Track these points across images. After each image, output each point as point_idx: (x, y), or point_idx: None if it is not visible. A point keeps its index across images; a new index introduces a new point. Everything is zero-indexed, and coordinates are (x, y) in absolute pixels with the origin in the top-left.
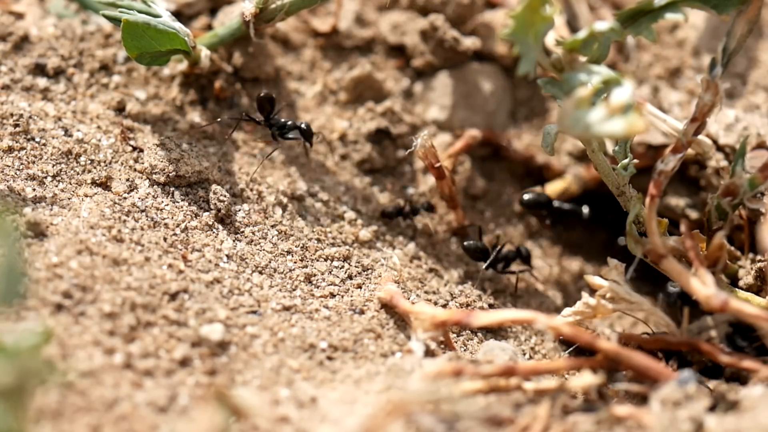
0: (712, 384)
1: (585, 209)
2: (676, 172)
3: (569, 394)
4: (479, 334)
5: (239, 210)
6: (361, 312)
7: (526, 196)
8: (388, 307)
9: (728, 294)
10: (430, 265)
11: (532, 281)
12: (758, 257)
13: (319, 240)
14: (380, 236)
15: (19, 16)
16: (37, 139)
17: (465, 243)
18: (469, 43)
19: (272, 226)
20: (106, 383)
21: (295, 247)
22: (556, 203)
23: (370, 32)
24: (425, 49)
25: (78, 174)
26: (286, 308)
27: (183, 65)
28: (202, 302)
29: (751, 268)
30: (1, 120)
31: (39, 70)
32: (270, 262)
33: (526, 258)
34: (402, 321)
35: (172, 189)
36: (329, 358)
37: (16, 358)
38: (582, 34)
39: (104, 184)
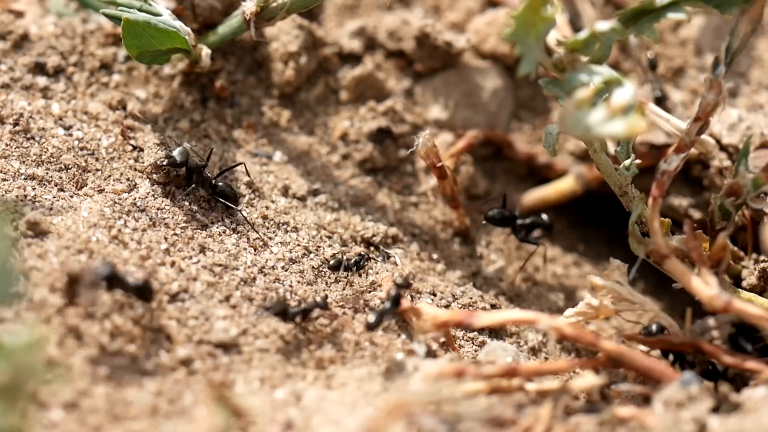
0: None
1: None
2: (679, 172)
3: (571, 395)
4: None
5: (240, 210)
6: (363, 312)
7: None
8: None
9: (731, 294)
10: (432, 266)
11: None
12: (762, 257)
13: (320, 240)
14: (382, 236)
15: (19, 14)
16: (37, 138)
17: (488, 214)
18: (463, 41)
19: (273, 226)
20: (107, 383)
21: (297, 247)
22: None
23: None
24: (422, 54)
25: (78, 173)
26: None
27: (183, 64)
28: (203, 302)
29: (755, 269)
30: (0, 119)
31: (39, 68)
32: (271, 262)
33: (547, 226)
34: (403, 321)
35: (172, 188)
36: (330, 359)
37: (11, 356)
38: (583, 34)
39: (104, 184)
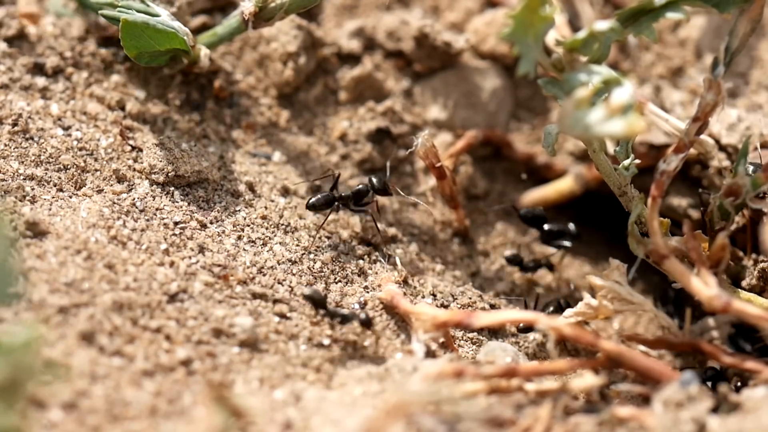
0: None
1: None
2: (678, 172)
3: (571, 395)
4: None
5: (239, 210)
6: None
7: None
8: (388, 307)
9: (731, 295)
10: (431, 266)
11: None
12: (761, 258)
13: (319, 240)
14: (381, 236)
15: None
16: (36, 139)
17: (522, 212)
18: (463, 42)
19: (273, 227)
20: (106, 384)
21: (296, 247)
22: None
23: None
24: (422, 54)
25: (77, 174)
26: (286, 309)
27: (182, 64)
28: (202, 302)
29: (754, 269)
30: None
31: (38, 69)
32: (270, 262)
33: (575, 236)
34: (403, 321)
35: (171, 189)
36: (330, 359)
37: (9, 355)
38: (582, 34)
39: (103, 184)
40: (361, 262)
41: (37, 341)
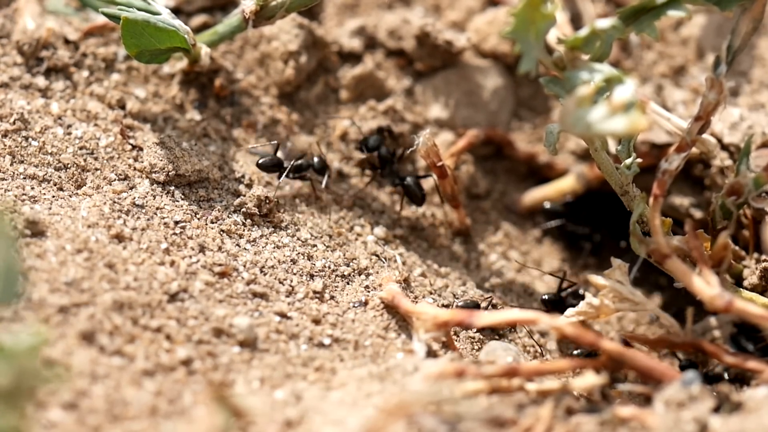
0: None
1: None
2: (680, 172)
3: (572, 395)
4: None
5: (239, 210)
6: (363, 312)
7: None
8: (389, 307)
9: (733, 294)
10: (432, 265)
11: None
12: (763, 257)
13: (320, 239)
14: (382, 236)
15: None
16: (36, 138)
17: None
18: (464, 40)
19: (273, 226)
20: (107, 383)
21: (297, 247)
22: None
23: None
24: (423, 53)
25: (77, 173)
26: (287, 308)
27: (183, 63)
28: (202, 302)
29: (756, 268)
30: None
31: (38, 68)
32: (270, 262)
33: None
34: (404, 321)
35: (172, 188)
36: (330, 359)
37: (14, 359)
38: (584, 32)
39: (103, 183)
40: (362, 261)
41: (42, 345)
